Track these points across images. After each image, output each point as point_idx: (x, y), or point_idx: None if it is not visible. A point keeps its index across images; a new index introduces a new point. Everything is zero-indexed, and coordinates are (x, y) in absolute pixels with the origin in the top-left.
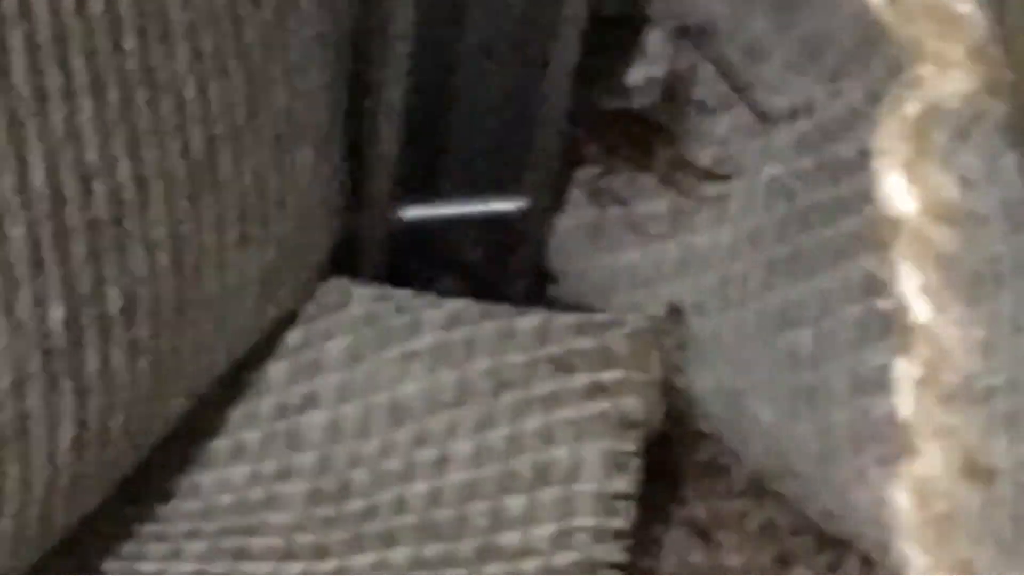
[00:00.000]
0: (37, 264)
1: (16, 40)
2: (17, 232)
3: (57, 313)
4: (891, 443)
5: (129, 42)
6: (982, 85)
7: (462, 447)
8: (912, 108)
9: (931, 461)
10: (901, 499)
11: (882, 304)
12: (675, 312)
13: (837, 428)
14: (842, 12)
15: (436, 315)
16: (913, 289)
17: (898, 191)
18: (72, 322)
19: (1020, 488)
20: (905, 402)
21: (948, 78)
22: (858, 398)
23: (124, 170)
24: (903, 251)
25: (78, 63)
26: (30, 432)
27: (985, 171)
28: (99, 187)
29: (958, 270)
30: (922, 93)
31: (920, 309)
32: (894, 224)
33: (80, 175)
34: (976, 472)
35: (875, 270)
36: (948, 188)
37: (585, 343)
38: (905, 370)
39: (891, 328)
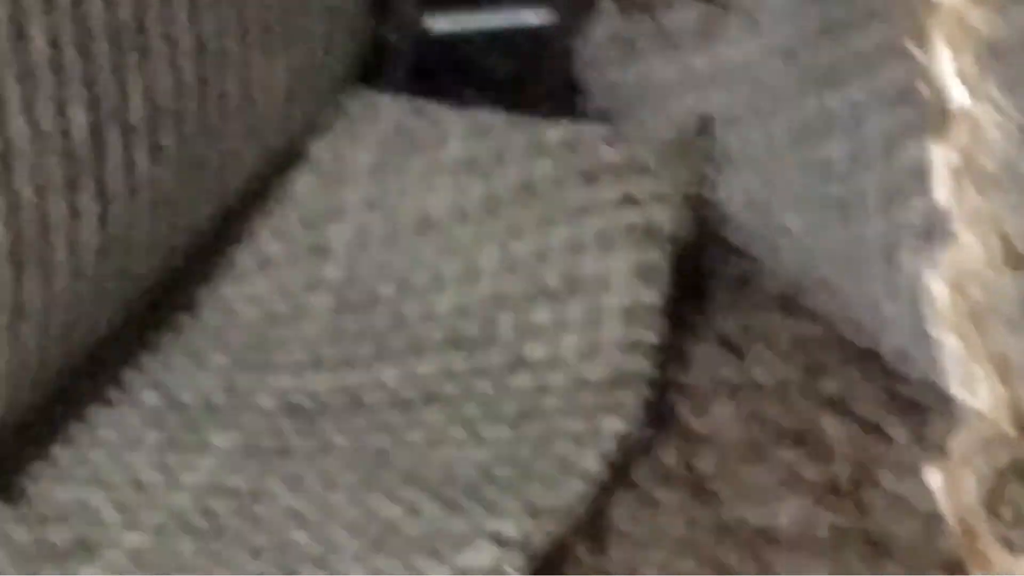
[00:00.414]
0: (58, 68)
1: None
2: (37, 32)
3: (79, 119)
4: (927, 237)
5: None
6: None
7: (489, 258)
8: None
9: (969, 249)
10: (939, 288)
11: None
12: (705, 123)
13: (869, 238)
14: None
15: (463, 126)
16: (951, 74)
17: None
18: (95, 129)
19: None
20: (943, 190)
21: None
22: (889, 207)
23: None
24: (941, 36)
25: None
26: (52, 236)
27: None
28: None
29: (997, 56)
30: None
31: (958, 94)
32: (932, 8)
33: None
34: (1015, 259)
35: (906, 77)
36: None
37: (613, 155)
38: (943, 157)
39: (928, 117)
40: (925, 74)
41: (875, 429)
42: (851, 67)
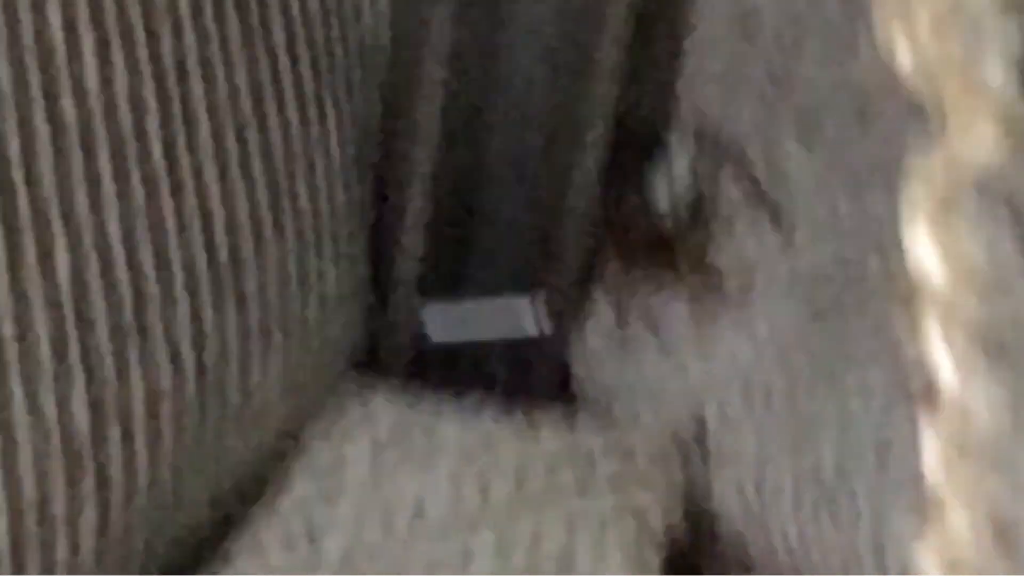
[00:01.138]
0: (62, 360)
1: (43, 136)
2: (41, 327)
3: (82, 413)
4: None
5: (156, 147)
6: (1011, 154)
7: (482, 569)
8: (939, 177)
9: (959, 528)
10: (929, 567)
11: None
12: (699, 427)
13: (860, 543)
14: (870, 129)
15: (458, 433)
16: (940, 354)
17: (925, 257)
18: (96, 422)
19: None
20: (932, 467)
21: (977, 147)
22: (880, 511)
23: (149, 269)
24: (930, 317)
25: (103, 154)
26: (54, 531)
27: (1014, 237)
28: (124, 288)
29: (985, 335)
30: (949, 162)
31: (947, 374)
32: (922, 292)
33: (104, 269)
34: (1006, 538)
35: (897, 374)
36: (976, 254)
37: (609, 466)
38: (932, 434)
39: (916, 399)
40: (915, 356)
41: None
42: (842, 363)
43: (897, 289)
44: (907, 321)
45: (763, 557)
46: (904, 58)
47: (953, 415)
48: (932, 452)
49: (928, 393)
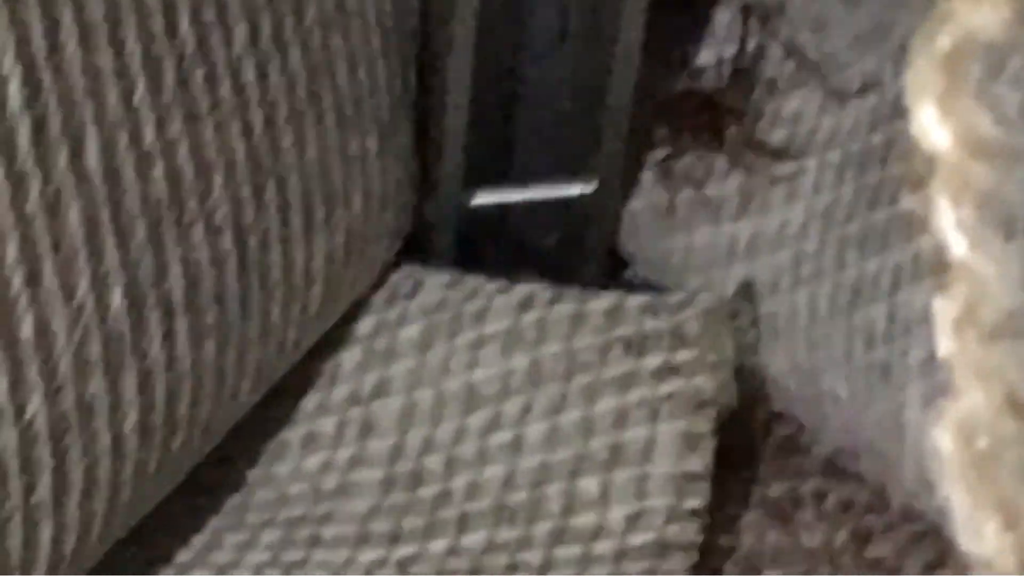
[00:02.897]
0: (95, 247)
1: (67, 19)
2: (73, 215)
3: (117, 298)
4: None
5: (184, 23)
6: (1016, 15)
7: (535, 430)
8: (944, 42)
9: (973, 400)
10: (944, 440)
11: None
12: (747, 291)
13: (911, 403)
14: None
15: (507, 300)
16: (950, 226)
17: (933, 127)
18: (134, 306)
19: None
20: (945, 341)
21: (981, 9)
22: (931, 371)
23: (183, 152)
24: (939, 188)
25: (131, 44)
26: (94, 417)
27: (1020, 104)
28: (157, 170)
29: (994, 206)
30: (954, 26)
31: (957, 246)
32: (930, 161)
33: (137, 156)
34: (1018, 409)
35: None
36: (983, 123)
37: (657, 324)
38: (944, 308)
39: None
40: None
41: None
42: (890, 232)
43: (910, 165)
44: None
45: (814, 420)
46: None
47: (964, 289)
48: (945, 326)
49: (940, 268)
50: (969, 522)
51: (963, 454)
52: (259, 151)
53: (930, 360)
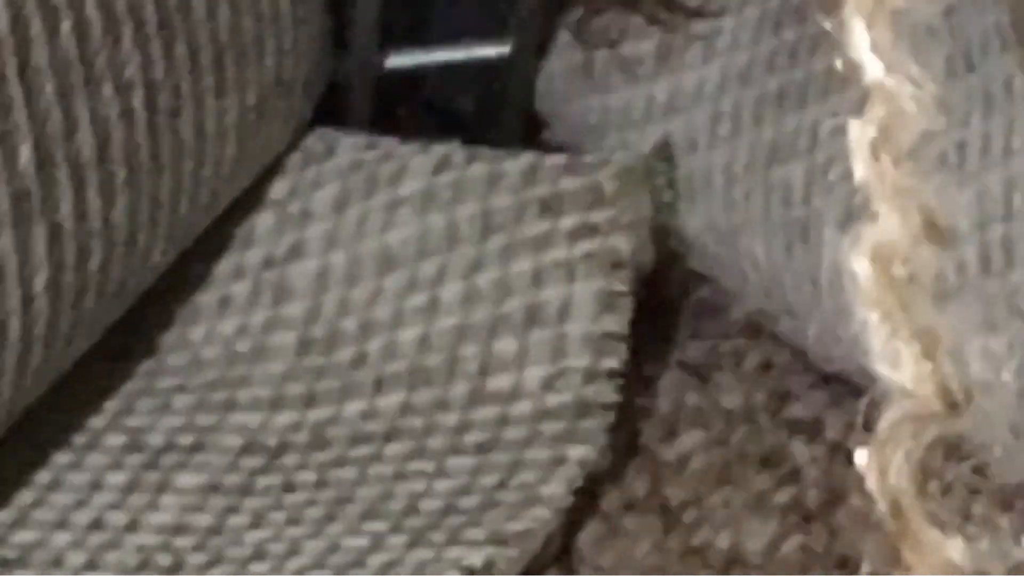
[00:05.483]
0: (2, 103)
1: None
2: None
3: (26, 153)
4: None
5: None
6: None
7: (451, 291)
8: None
9: (889, 223)
10: (861, 265)
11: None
12: (665, 150)
13: (828, 260)
14: None
15: (423, 160)
16: (865, 47)
17: None
18: (43, 163)
19: (983, 248)
20: (862, 165)
21: None
22: (849, 228)
23: (91, 6)
24: (853, 9)
25: None
26: (3, 276)
27: None
28: (65, 25)
29: (909, 26)
30: None
31: (872, 68)
32: None
33: (44, 10)
34: (935, 233)
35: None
36: None
37: (573, 184)
38: (860, 132)
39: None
40: (840, 48)
41: (843, 452)
42: (808, 89)
43: None
44: (837, 23)
45: (732, 280)
46: None
47: (880, 111)
48: (861, 150)
49: (855, 88)
50: (887, 350)
51: (880, 279)
52: (168, 5)
53: (847, 219)
